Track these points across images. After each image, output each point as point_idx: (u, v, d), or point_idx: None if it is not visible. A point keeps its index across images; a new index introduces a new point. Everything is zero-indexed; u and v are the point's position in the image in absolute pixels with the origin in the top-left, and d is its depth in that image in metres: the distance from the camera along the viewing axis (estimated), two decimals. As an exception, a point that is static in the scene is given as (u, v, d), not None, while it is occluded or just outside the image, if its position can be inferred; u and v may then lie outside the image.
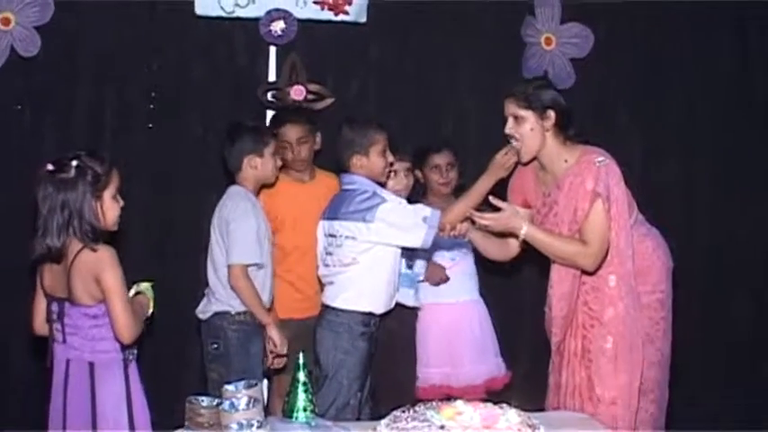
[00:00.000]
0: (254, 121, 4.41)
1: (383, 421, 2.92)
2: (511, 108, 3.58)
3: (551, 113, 3.55)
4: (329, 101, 4.89)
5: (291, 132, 4.42)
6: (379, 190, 3.86)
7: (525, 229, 3.50)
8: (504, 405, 3.00)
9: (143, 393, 3.22)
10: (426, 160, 4.56)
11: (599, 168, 3.49)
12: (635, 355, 3.53)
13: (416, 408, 2.96)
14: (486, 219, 3.53)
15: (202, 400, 3.00)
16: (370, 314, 3.84)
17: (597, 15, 5.19)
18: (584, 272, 3.57)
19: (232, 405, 2.90)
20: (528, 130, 3.56)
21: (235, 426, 2.79)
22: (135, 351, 3.22)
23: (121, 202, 3.20)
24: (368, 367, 3.88)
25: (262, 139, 4.12)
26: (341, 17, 4.90)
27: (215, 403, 2.98)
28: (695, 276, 5.21)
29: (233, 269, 3.97)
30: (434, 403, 3.00)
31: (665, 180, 5.36)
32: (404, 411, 2.95)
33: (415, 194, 4.48)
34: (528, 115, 3.55)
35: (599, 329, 3.54)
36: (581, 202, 3.49)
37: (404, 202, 3.91)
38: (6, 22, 4.52)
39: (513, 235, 3.64)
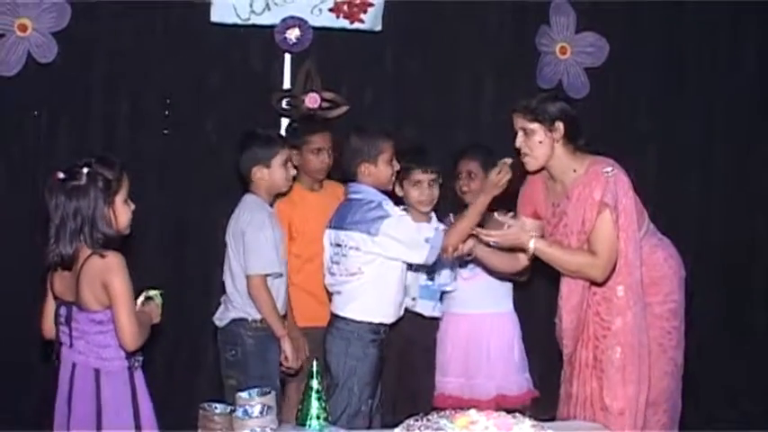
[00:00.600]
0: (266, 130, 4.35)
1: (396, 430, 2.91)
2: (519, 122, 3.57)
3: (560, 125, 3.53)
4: (344, 109, 4.89)
5: (324, 140, 4.41)
6: (386, 202, 3.83)
7: (533, 244, 3.50)
8: (518, 414, 2.99)
9: (150, 400, 3.20)
10: (455, 168, 4.50)
11: (607, 179, 3.48)
12: (643, 366, 3.52)
13: (430, 416, 2.94)
14: (494, 236, 3.53)
15: (216, 407, 3.01)
16: (380, 323, 3.83)
17: (612, 24, 5.18)
18: (594, 283, 3.55)
19: (246, 412, 2.92)
20: (537, 142, 3.55)
21: (248, 433, 2.78)
22: (140, 358, 3.20)
23: (132, 206, 3.19)
24: (378, 374, 3.86)
25: (270, 148, 4.08)
26: (356, 25, 4.92)
27: (228, 410, 2.98)
28: (713, 285, 5.22)
29: (252, 279, 3.96)
30: (448, 412, 2.98)
31: (681, 189, 5.34)
32: (417, 420, 2.92)
33: (446, 206, 4.41)
34: (536, 128, 3.54)
35: (610, 339, 3.53)
36: (588, 212, 3.48)
37: (407, 217, 3.85)
38: (24, 28, 4.54)
39: (522, 249, 3.64)
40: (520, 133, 3.58)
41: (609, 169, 3.50)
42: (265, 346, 4.03)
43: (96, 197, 3.05)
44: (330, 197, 4.29)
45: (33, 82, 4.64)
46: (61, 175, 3.06)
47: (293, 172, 4.15)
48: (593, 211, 3.46)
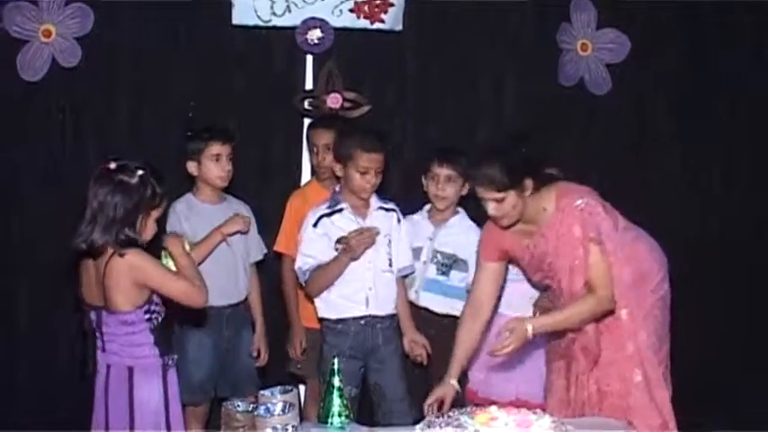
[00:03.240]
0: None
1: (417, 426, 2.94)
2: (487, 194, 3.44)
3: (529, 182, 3.45)
4: (365, 108, 4.89)
5: (319, 137, 4.46)
6: None
7: (531, 330, 3.37)
8: (539, 411, 3.03)
9: (179, 400, 3.23)
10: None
11: (581, 211, 3.42)
12: (665, 370, 3.56)
13: (451, 413, 2.99)
14: (508, 350, 3.38)
15: (238, 405, 3.04)
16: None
17: (633, 20, 5.14)
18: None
19: (267, 410, 2.95)
20: (511, 207, 3.45)
21: (270, 430, 2.79)
22: (175, 356, 3.24)
23: (156, 228, 3.23)
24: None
25: (197, 143, 4.15)
26: (377, 25, 4.91)
27: (250, 408, 3.01)
28: (734, 283, 5.21)
29: None
30: (469, 408, 3.04)
31: (705, 187, 5.31)
32: (438, 417, 2.98)
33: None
34: (508, 195, 3.43)
35: (624, 365, 3.50)
36: (574, 250, 3.42)
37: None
38: (48, 34, 4.60)
39: None
40: (490, 203, 3.46)
41: (579, 202, 3.44)
42: (184, 337, 4.11)
43: (140, 201, 3.09)
44: None
45: (58, 86, 4.69)
46: (112, 166, 3.09)
47: (228, 167, 4.18)
48: (579, 249, 3.42)
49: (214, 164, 4.14)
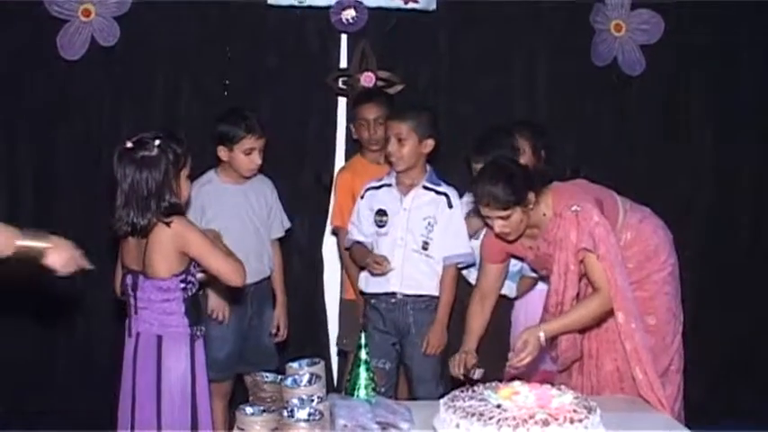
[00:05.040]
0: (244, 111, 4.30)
1: (442, 400, 2.98)
2: (493, 213, 3.46)
3: (531, 195, 3.47)
4: (399, 87, 4.94)
5: (369, 112, 4.49)
6: None
7: (543, 336, 3.39)
8: (563, 387, 3.05)
9: (206, 371, 3.28)
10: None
11: (577, 217, 3.42)
12: (665, 363, 3.60)
13: (475, 388, 3.02)
14: (525, 362, 3.39)
15: (266, 376, 3.09)
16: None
17: (667, 0, 5.08)
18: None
19: (294, 381, 2.96)
20: (518, 222, 3.48)
21: (296, 401, 2.82)
22: (203, 327, 3.29)
23: (189, 183, 3.30)
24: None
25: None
26: (410, 5, 4.95)
27: (278, 379, 3.05)
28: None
29: None
30: (494, 383, 3.06)
31: (737, 169, 5.27)
32: (463, 391, 3.01)
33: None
34: (513, 212, 3.45)
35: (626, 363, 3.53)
36: (572, 255, 3.44)
37: None
38: (87, 13, 4.70)
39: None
40: (497, 221, 3.48)
41: (575, 207, 3.45)
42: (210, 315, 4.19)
43: (167, 169, 3.13)
44: None
45: (97, 65, 4.78)
46: (129, 145, 3.14)
47: (258, 161, 4.19)
48: (574, 256, 3.44)
49: (246, 157, 4.16)
